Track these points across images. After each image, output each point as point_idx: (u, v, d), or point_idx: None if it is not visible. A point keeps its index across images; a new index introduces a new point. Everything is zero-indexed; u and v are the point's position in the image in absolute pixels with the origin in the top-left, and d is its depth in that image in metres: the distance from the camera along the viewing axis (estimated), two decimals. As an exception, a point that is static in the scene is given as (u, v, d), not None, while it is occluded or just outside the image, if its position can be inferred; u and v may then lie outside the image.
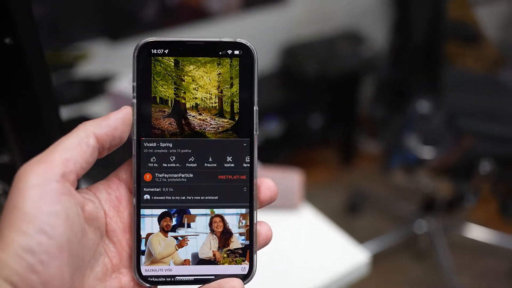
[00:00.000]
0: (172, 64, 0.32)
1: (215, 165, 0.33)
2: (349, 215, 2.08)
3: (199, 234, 0.33)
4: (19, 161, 0.44)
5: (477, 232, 1.87)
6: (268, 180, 0.35)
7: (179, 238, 0.33)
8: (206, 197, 0.33)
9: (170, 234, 0.33)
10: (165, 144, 0.33)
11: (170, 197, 0.33)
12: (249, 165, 0.33)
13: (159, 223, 0.33)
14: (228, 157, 0.33)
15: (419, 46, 1.30)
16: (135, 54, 0.32)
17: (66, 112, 1.21)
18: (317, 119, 2.14)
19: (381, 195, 2.16)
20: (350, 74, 2.02)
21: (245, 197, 0.33)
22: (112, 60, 1.50)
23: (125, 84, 1.08)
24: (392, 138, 1.50)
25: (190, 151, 0.33)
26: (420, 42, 1.30)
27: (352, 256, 0.79)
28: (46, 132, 0.43)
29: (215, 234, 0.33)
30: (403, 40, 1.47)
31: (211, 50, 0.33)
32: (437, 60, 1.23)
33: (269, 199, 0.36)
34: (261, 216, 0.86)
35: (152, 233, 0.32)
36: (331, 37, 2.12)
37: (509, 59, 2.31)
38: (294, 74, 2.06)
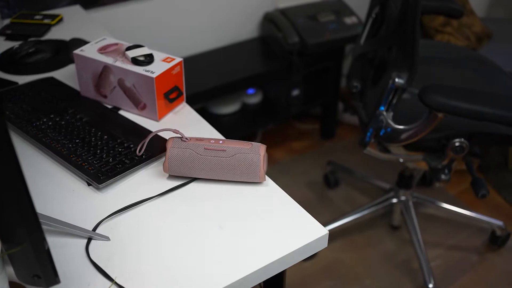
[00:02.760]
0: None
1: None
2: (326, 187, 2.08)
3: None
4: None
5: (449, 207, 1.88)
6: None
7: None
8: None
9: None
10: None
11: None
12: None
13: None
14: None
15: (396, 18, 1.28)
16: None
17: (35, 72, 1.19)
18: (298, 90, 2.13)
19: (359, 168, 2.16)
20: (332, 45, 1.99)
21: None
22: (83, 26, 1.47)
23: (89, 46, 1.07)
24: (367, 112, 1.49)
25: None
26: (396, 15, 1.28)
27: (310, 230, 0.79)
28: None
29: None
30: (381, 11, 1.45)
31: None
32: (413, 33, 1.22)
33: None
34: (224, 188, 0.85)
35: None
36: (314, 7, 2.09)
37: (494, 35, 2.30)
38: (275, 44, 2.03)
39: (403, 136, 1.32)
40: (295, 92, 2.12)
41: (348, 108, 2.47)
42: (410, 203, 1.80)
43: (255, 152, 0.86)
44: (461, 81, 1.52)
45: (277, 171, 2.15)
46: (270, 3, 2.11)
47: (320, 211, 1.98)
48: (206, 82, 1.86)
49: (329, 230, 1.84)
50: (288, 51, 1.96)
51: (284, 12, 2.04)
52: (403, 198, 1.82)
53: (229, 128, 2.06)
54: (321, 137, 2.38)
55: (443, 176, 1.42)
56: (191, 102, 1.78)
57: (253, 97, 2.16)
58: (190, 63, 1.96)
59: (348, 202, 2.02)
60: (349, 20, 2.05)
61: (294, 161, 2.23)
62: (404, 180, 1.80)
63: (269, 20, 2.05)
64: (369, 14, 1.51)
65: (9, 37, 1.39)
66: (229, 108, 2.11)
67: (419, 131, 1.29)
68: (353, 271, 1.74)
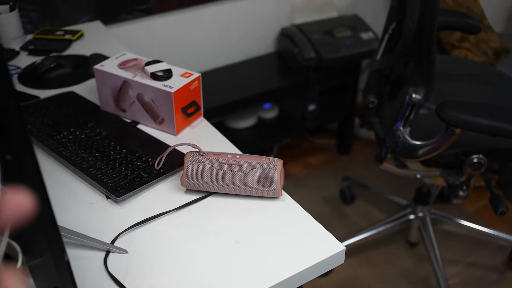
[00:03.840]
0: None
1: None
2: (343, 203, 2.07)
3: None
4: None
5: (468, 224, 1.86)
6: (20, 196, 0.26)
7: None
8: None
9: None
10: None
11: None
12: None
13: None
14: None
15: (413, 34, 1.28)
16: None
17: (56, 86, 1.21)
18: (314, 105, 2.13)
19: (375, 184, 2.15)
20: (349, 60, 2.00)
21: None
22: (103, 42, 1.50)
23: (109, 61, 1.08)
24: (384, 127, 1.48)
25: None
26: (413, 30, 1.28)
27: (327, 245, 0.79)
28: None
29: None
30: (398, 27, 1.45)
31: None
32: (430, 49, 1.22)
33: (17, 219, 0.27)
34: (241, 203, 0.86)
35: None
36: (330, 22, 2.10)
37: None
38: (291, 59, 2.04)
39: (420, 151, 1.32)
40: (311, 107, 2.13)
41: (364, 123, 2.46)
42: (428, 220, 1.79)
43: (272, 167, 0.87)
44: (478, 97, 1.51)
45: (292, 186, 2.15)
46: (286, 18, 2.12)
47: (336, 226, 1.97)
48: (223, 96, 1.87)
49: (345, 246, 1.83)
50: (305, 66, 1.97)
51: (300, 27, 2.06)
52: (420, 214, 1.81)
53: (245, 142, 2.06)
54: (337, 152, 2.37)
55: (461, 193, 1.41)
56: (207, 116, 1.79)
57: (269, 112, 2.17)
58: (207, 77, 1.98)
59: (365, 218, 2.01)
60: (365, 36, 2.06)
61: (310, 176, 2.22)
62: (421, 196, 1.78)
63: (286, 35, 2.06)
64: (385, 30, 1.51)
65: (31, 52, 1.42)
66: (245, 123, 2.12)
67: (436, 147, 1.28)
68: (369, 288, 1.73)
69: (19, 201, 0.25)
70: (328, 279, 1.76)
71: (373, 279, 1.76)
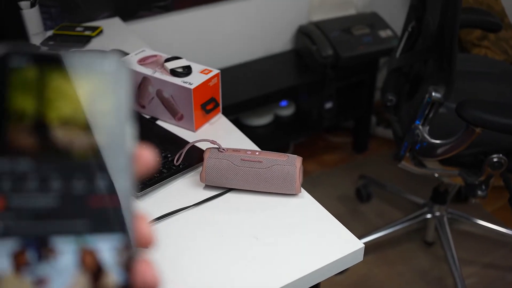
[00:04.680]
0: (35, 76, 0.28)
1: (83, 188, 0.28)
2: (359, 201, 2.07)
3: (66, 271, 0.26)
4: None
5: (485, 224, 1.84)
6: (147, 152, 0.30)
7: (41, 279, 0.26)
8: (74, 227, 0.27)
9: (27, 274, 0.26)
10: (22, 165, 0.27)
11: (27, 229, 0.27)
12: (123, 188, 0.28)
13: (12, 261, 0.26)
14: (97, 179, 0.28)
15: (433, 32, 1.27)
16: None
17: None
18: (331, 103, 2.12)
19: (392, 182, 2.14)
20: (366, 58, 1.99)
21: (121, 224, 0.28)
22: (122, 38, 1.51)
23: (128, 58, 1.09)
24: (402, 126, 1.47)
25: (53, 172, 0.28)
26: (434, 28, 1.27)
27: (346, 243, 0.79)
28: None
29: (87, 270, 0.26)
30: (418, 25, 1.44)
31: (79, 63, 0.28)
32: (451, 47, 1.21)
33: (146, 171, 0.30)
34: (260, 199, 0.86)
35: (5, 275, 0.26)
36: (348, 20, 2.09)
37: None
38: (309, 57, 2.03)
39: (439, 150, 1.31)
40: (328, 105, 2.12)
41: (381, 121, 2.45)
42: (445, 219, 1.77)
43: (292, 164, 0.87)
44: (498, 96, 1.49)
45: (308, 184, 2.15)
46: (304, 16, 2.12)
47: (352, 225, 1.96)
48: (239, 93, 1.87)
49: (361, 245, 1.82)
50: (322, 64, 1.96)
51: (318, 25, 2.05)
52: (437, 213, 1.79)
53: (261, 140, 2.07)
54: (353, 151, 2.36)
55: (479, 192, 1.39)
56: (224, 113, 1.79)
57: (286, 109, 2.17)
58: (224, 74, 1.98)
59: (381, 217, 2.00)
60: (383, 33, 2.05)
61: (326, 174, 2.22)
62: (438, 196, 1.77)
63: (303, 33, 2.06)
64: (405, 28, 1.50)
65: (51, 48, 1.43)
66: (261, 120, 2.12)
67: (455, 146, 1.27)
68: (385, 287, 1.72)
69: (147, 155, 0.29)
70: (343, 277, 1.76)
71: (389, 278, 1.75)
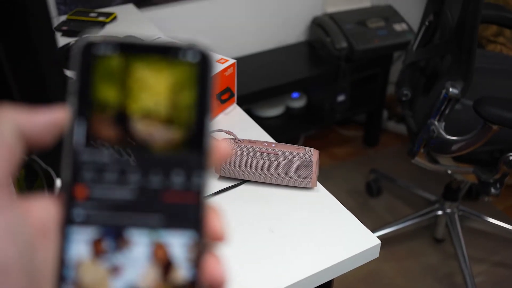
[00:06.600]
0: (119, 67, 0.28)
1: (161, 182, 0.28)
2: (369, 195, 2.05)
3: (138, 262, 0.27)
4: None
5: (497, 222, 1.83)
6: (224, 143, 0.29)
7: (115, 267, 0.27)
8: (148, 220, 0.28)
9: (103, 262, 0.27)
10: (103, 156, 0.28)
11: (106, 218, 0.27)
12: (200, 184, 0.28)
13: (91, 249, 0.27)
14: (177, 175, 0.28)
15: (452, 26, 1.25)
16: (76, 53, 0.27)
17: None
18: (343, 96, 2.11)
19: (403, 178, 2.12)
20: (381, 51, 1.97)
21: (195, 221, 0.28)
22: (136, 25, 1.49)
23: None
24: (417, 121, 1.46)
25: (133, 164, 0.28)
26: (453, 23, 1.25)
27: (362, 239, 0.78)
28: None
29: (158, 263, 0.27)
30: (435, 20, 1.42)
31: (164, 54, 0.28)
32: (471, 42, 1.18)
33: (222, 161, 0.31)
34: (275, 192, 0.84)
35: (83, 261, 0.27)
36: (363, 12, 2.07)
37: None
38: (322, 49, 2.01)
39: (454, 147, 1.29)
40: (341, 98, 2.10)
41: (392, 116, 2.43)
42: (456, 216, 1.76)
43: (308, 157, 0.86)
44: (516, 93, 1.47)
45: (318, 177, 2.14)
46: (318, 7, 2.10)
47: (361, 219, 1.94)
48: (252, 84, 1.86)
49: (370, 239, 1.81)
50: (336, 56, 1.94)
51: (332, 17, 2.03)
52: (448, 210, 1.78)
53: (272, 131, 2.04)
54: (364, 144, 2.35)
55: (493, 190, 1.38)
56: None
57: (298, 101, 2.15)
58: (237, 64, 1.96)
59: (391, 212, 1.99)
60: (399, 27, 2.02)
61: (336, 168, 2.21)
62: (450, 192, 1.75)
63: (317, 24, 2.04)
64: (422, 22, 1.48)
65: (65, 33, 1.42)
66: (273, 111, 2.11)
67: (471, 143, 1.25)
68: (394, 283, 1.71)
69: (225, 147, 0.29)
70: (353, 272, 1.74)
71: (398, 274, 1.74)
